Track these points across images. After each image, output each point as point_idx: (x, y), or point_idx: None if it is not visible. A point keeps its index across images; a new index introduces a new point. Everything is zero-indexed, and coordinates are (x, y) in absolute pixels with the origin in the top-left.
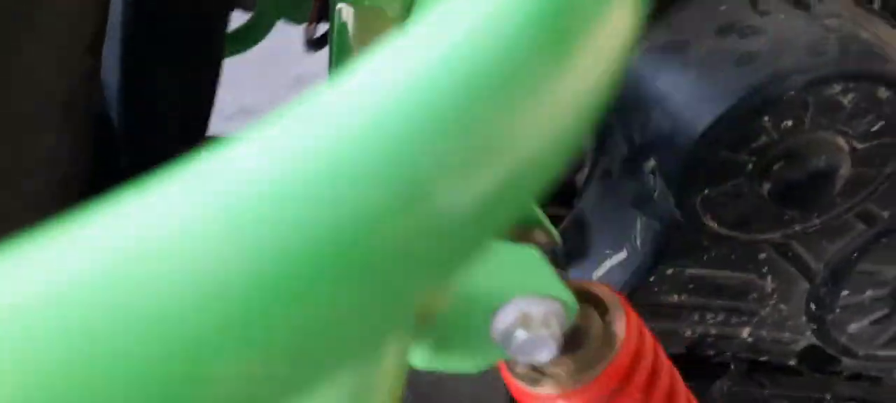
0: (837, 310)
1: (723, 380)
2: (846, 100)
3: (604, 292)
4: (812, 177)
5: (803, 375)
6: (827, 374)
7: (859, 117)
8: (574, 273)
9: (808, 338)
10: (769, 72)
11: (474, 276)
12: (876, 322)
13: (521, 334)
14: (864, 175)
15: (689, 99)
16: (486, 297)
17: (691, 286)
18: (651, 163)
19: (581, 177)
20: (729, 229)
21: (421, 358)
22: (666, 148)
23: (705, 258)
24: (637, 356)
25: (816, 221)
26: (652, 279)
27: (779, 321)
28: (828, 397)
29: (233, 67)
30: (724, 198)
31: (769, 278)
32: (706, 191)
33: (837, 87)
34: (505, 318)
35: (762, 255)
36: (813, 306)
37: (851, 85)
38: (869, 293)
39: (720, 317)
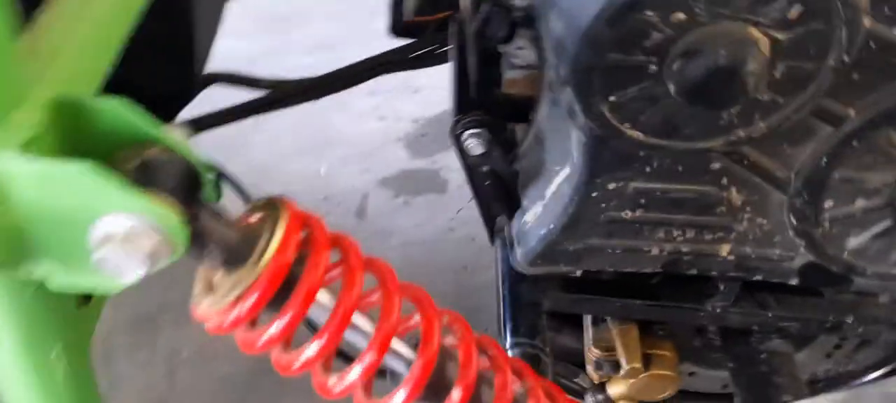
0: (826, 224)
1: (713, 300)
2: None
3: (278, 204)
4: (715, 73)
5: (816, 295)
6: (843, 294)
7: (766, 3)
8: (534, 189)
9: (803, 255)
10: None
11: (61, 198)
12: (881, 235)
13: (108, 252)
14: (800, 69)
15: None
16: (75, 220)
17: (643, 201)
18: (563, 70)
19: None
20: (656, 137)
21: (56, 283)
22: (561, 53)
23: (648, 170)
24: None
25: (761, 125)
26: (595, 194)
27: (762, 237)
28: (850, 320)
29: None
30: (636, 103)
31: (733, 190)
32: (612, 98)
33: None
34: (94, 239)
35: (714, 165)
36: (794, 219)
37: None
38: (860, 203)
39: (690, 234)
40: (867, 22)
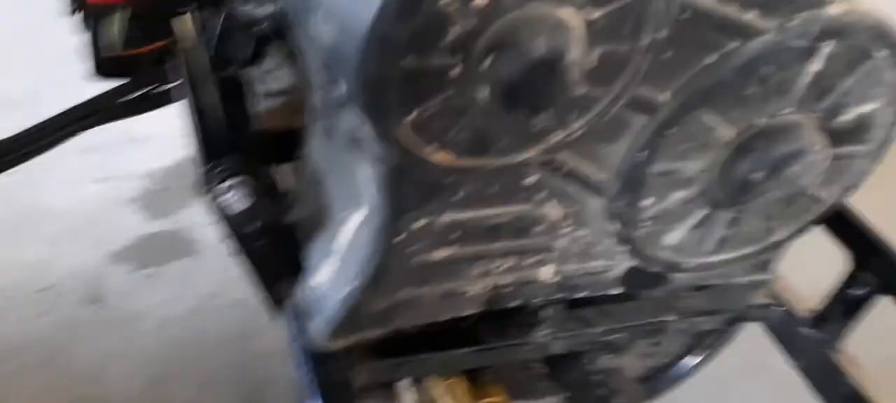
0: (648, 223)
1: (540, 329)
2: None
3: None
4: (532, 67)
5: (636, 299)
6: (661, 295)
7: None
8: (321, 243)
9: (623, 261)
10: None
11: None
12: (697, 226)
13: None
14: (615, 53)
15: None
16: None
17: (455, 235)
18: (341, 88)
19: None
20: (467, 157)
21: None
22: (337, 66)
23: (458, 198)
24: None
25: (578, 124)
26: (401, 237)
27: (583, 250)
28: (673, 317)
29: None
30: (442, 118)
31: (550, 204)
32: (411, 116)
33: None
34: None
35: (530, 180)
36: (616, 224)
37: None
38: (677, 195)
39: (509, 263)
40: None
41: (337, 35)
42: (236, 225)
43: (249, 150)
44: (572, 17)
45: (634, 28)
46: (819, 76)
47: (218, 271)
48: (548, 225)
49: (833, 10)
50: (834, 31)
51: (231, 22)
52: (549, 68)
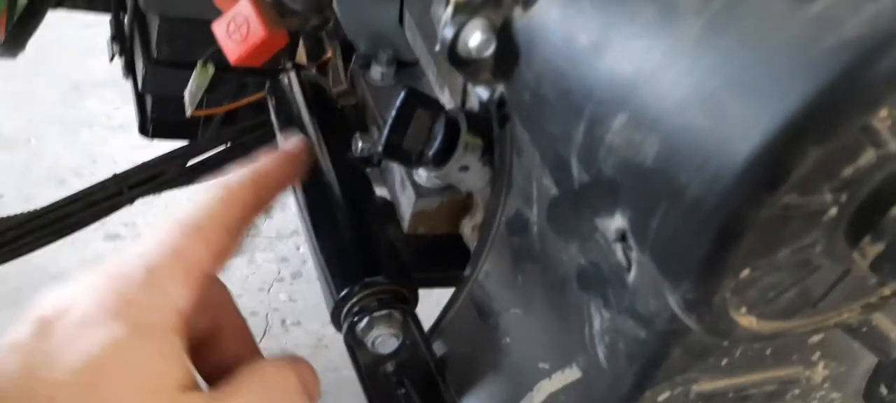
0: None
1: None
2: None
3: None
4: None
5: None
6: None
7: None
8: (497, 396)
9: None
10: (869, 33)
11: None
12: None
13: None
14: None
15: (703, 90)
16: None
17: None
18: (616, 220)
19: (471, 224)
20: (778, 320)
21: None
22: (655, 193)
23: (726, 363)
24: None
25: None
26: None
27: None
28: None
29: None
30: (779, 275)
31: (820, 364)
32: (745, 272)
33: None
34: None
35: (815, 339)
36: (883, 388)
37: None
38: None
39: None
40: None
41: (664, 149)
42: (369, 368)
43: (395, 267)
44: None
45: None
46: None
47: None
48: (805, 388)
49: None
50: None
51: (416, 102)
52: None
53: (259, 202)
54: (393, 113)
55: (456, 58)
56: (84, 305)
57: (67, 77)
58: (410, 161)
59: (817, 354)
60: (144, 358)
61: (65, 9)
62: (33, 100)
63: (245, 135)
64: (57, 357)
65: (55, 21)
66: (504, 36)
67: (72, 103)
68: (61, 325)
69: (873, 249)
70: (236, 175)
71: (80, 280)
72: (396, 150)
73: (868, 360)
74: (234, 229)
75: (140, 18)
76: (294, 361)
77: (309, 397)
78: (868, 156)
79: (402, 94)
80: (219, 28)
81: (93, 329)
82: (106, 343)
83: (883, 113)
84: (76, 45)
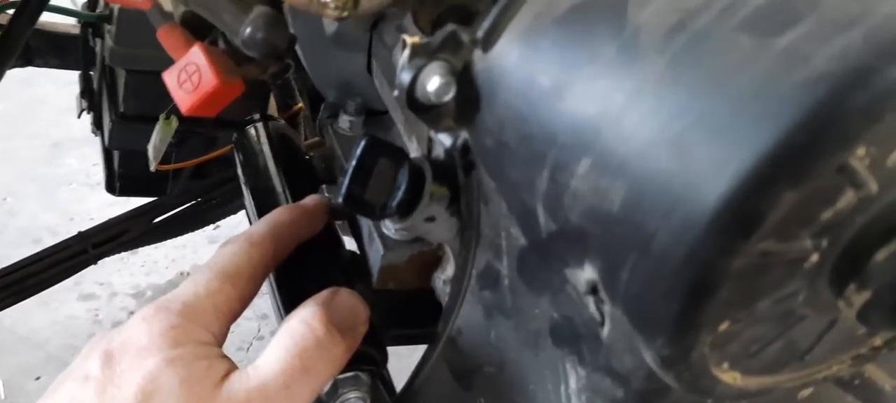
0: None
1: None
2: None
3: None
4: None
5: None
6: None
7: None
8: None
9: None
10: (839, 67)
11: None
12: None
13: None
14: None
15: (668, 132)
16: None
17: None
18: (586, 271)
19: (442, 277)
20: (764, 375)
21: None
22: (624, 243)
23: None
24: None
25: None
26: None
27: None
28: None
29: None
30: (761, 328)
31: None
32: (724, 325)
33: None
34: None
35: (805, 394)
36: None
37: None
38: None
39: None
40: None
41: (634, 199)
42: None
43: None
44: None
45: None
46: None
47: None
48: None
49: None
50: None
51: (378, 151)
52: None
53: (277, 253)
54: (353, 162)
55: (415, 103)
56: (136, 339)
57: (47, 135)
58: (374, 213)
59: None
60: (189, 368)
61: (37, 66)
62: (12, 158)
63: (215, 190)
64: (122, 381)
65: (36, 80)
66: (464, 80)
67: (51, 161)
68: (123, 358)
69: (859, 297)
70: (257, 228)
71: (130, 320)
72: (358, 201)
73: None
74: (256, 278)
75: (108, 73)
76: (332, 296)
77: (350, 328)
78: (848, 198)
79: (362, 143)
80: (169, 78)
81: (147, 356)
82: (158, 364)
83: (860, 151)
84: (56, 103)
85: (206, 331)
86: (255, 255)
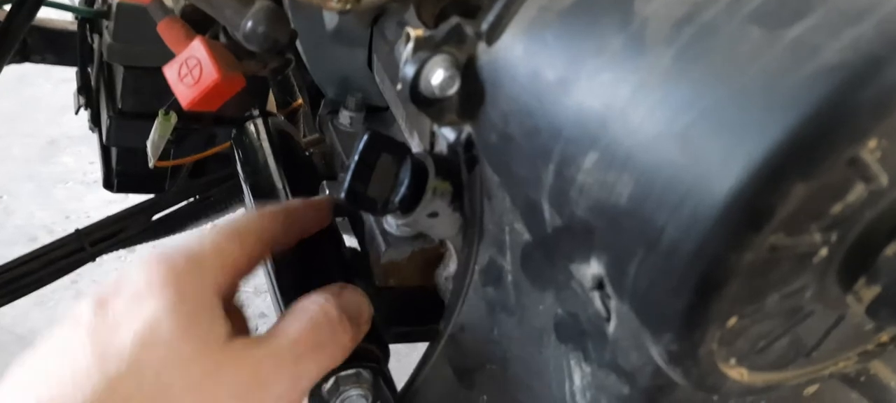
0: None
1: None
2: None
3: None
4: None
5: None
6: None
7: None
8: None
9: None
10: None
11: None
12: None
13: None
14: None
15: (676, 125)
16: None
17: None
18: (592, 266)
19: (445, 274)
20: (771, 372)
21: None
22: (631, 237)
23: None
24: None
25: None
26: None
27: None
28: None
29: None
30: (769, 323)
31: None
32: (732, 321)
33: None
34: None
35: (811, 390)
36: None
37: None
38: None
39: None
40: None
41: (642, 193)
42: None
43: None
44: None
45: None
46: None
47: None
48: None
49: None
50: None
51: (380, 146)
52: None
53: (286, 233)
54: (355, 158)
55: (418, 97)
56: (134, 282)
57: (44, 133)
58: (376, 208)
59: None
60: (192, 319)
61: (34, 62)
62: (8, 157)
63: (213, 188)
64: (118, 326)
65: (32, 78)
66: (468, 73)
67: (47, 159)
68: (117, 301)
69: (869, 292)
70: (270, 206)
71: (130, 265)
72: (360, 198)
73: None
74: (264, 241)
75: (106, 70)
76: (339, 290)
77: (356, 322)
78: (858, 192)
79: (364, 138)
80: (170, 72)
81: (144, 301)
82: (158, 311)
83: (871, 144)
84: (52, 101)
85: (212, 282)
86: (266, 222)
